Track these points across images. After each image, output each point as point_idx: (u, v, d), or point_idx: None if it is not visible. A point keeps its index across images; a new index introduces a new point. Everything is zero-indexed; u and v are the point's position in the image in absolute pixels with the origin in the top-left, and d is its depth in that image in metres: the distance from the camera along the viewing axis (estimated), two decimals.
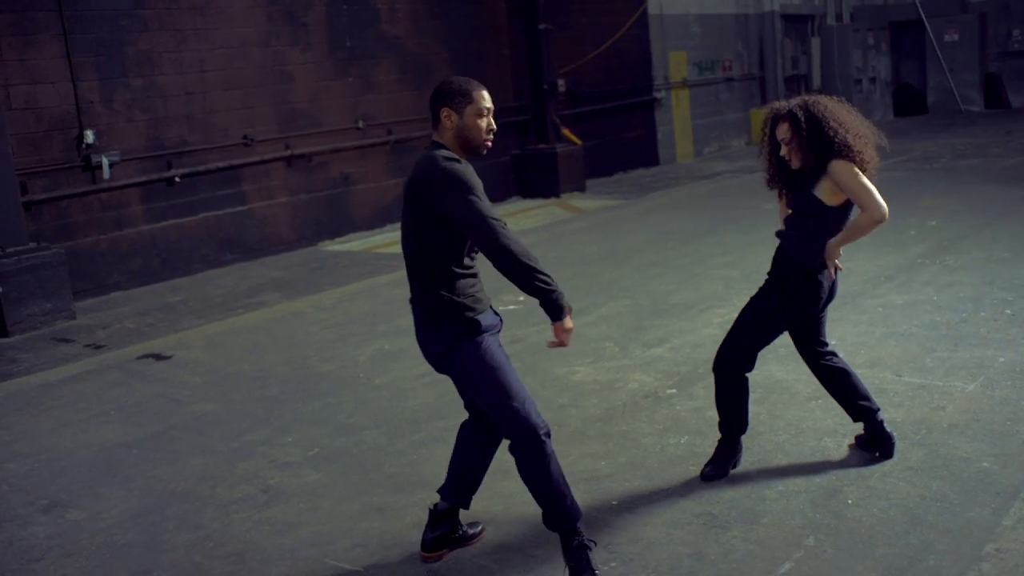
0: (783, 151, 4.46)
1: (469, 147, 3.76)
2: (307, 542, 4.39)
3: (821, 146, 4.35)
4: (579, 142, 15.78)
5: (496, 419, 3.79)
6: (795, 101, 4.45)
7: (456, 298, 3.72)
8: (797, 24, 22.48)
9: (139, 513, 4.85)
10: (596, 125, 16.95)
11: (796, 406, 5.49)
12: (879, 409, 4.76)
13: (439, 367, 3.85)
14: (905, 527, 4.05)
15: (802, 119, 4.35)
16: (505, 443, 3.94)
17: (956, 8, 23.93)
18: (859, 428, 4.93)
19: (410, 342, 7.41)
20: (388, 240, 12.39)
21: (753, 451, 4.92)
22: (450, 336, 3.73)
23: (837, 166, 4.33)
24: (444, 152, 3.69)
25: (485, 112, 3.75)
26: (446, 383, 6.38)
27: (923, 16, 23.83)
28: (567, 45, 16.08)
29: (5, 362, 7.92)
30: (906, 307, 7.32)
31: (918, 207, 11.46)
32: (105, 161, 10.16)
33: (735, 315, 7.01)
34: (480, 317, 3.75)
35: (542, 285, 3.64)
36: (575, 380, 6.29)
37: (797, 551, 3.93)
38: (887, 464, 4.66)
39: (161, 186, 10.88)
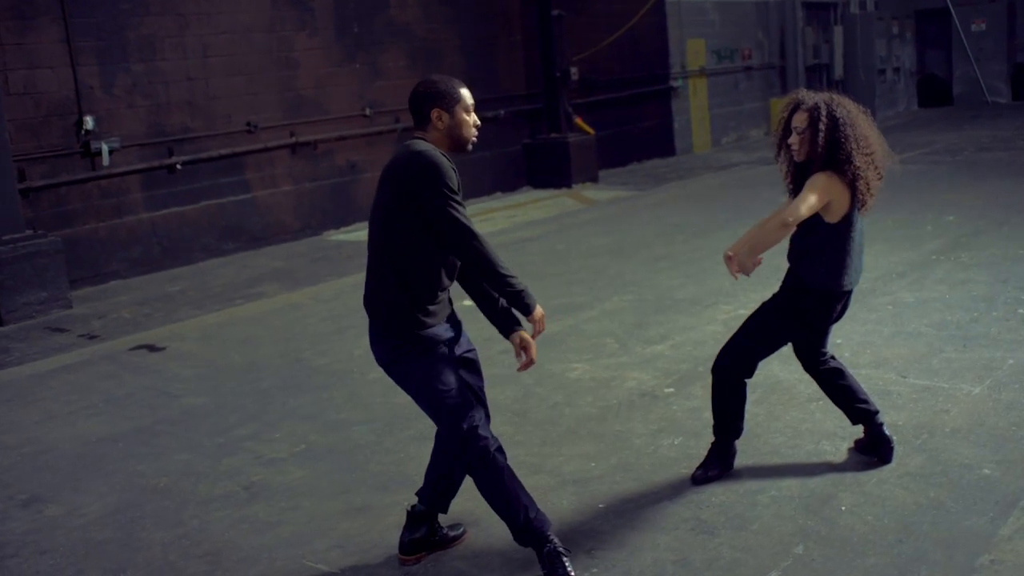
0: (792, 139, 4.38)
1: (458, 144, 3.80)
2: (285, 542, 4.36)
3: (828, 148, 4.27)
4: (592, 131, 15.69)
5: (445, 436, 3.82)
6: (822, 96, 4.37)
7: (407, 305, 3.69)
8: (819, 12, 22.29)
9: (118, 509, 4.83)
10: (610, 114, 16.86)
11: (796, 407, 5.42)
12: (879, 411, 4.68)
13: (393, 378, 3.87)
14: (898, 536, 3.98)
15: (823, 116, 4.27)
16: None
17: None
18: (859, 432, 4.85)
19: None
20: None
21: (748, 453, 4.86)
22: (395, 351, 3.74)
23: (819, 175, 4.26)
24: (426, 145, 3.67)
25: (471, 108, 3.80)
26: None
27: (949, 4, 23.59)
28: (581, 32, 15.99)
29: None
30: (916, 305, 7.22)
31: (936, 201, 11.33)
32: (105, 147, 10.17)
33: (741, 312, 7.02)
34: (430, 332, 3.73)
35: (511, 289, 3.68)
36: (571, 377, 6.23)
37: (785, 559, 3.87)
38: (885, 469, 4.59)
39: (162, 173, 10.88)
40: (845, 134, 4.26)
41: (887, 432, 4.68)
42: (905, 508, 4.21)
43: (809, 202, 4.23)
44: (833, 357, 4.69)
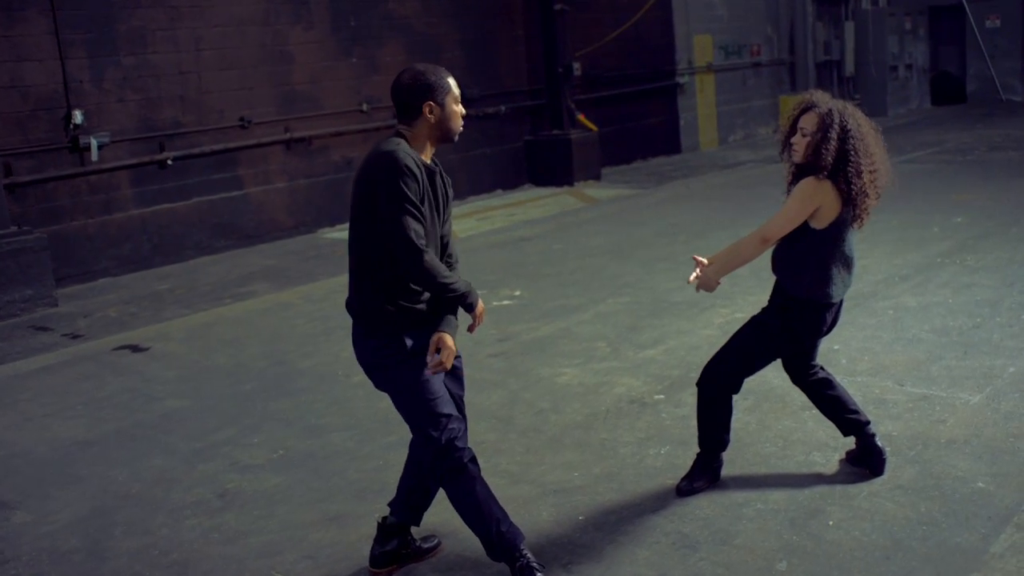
0: (796, 139, 4.31)
1: (448, 136, 3.76)
2: (255, 552, 4.30)
3: (836, 159, 4.18)
4: (595, 128, 15.60)
5: (420, 444, 3.76)
6: (836, 103, 4.28)
7: (388, 309, 3.65)
8: (830, 7, 22.14)
9: (88, 517, 4.78)
10: (615, 111, 16.76)
11: (788, 416, 5.35)
12: (869, 422, 4.61)
13: (372, 382, 3.82)
14: (886, 552, 3.91)
15: (835, 124, 4.19)
16: None
17: None
18: (851, 443, 4.77)
19: None
20: None
21: (736, 463, 4.79)
22: (377, 353, 3.70)
23: (806, 183, 4.18)
24: (397, 145, 3.60)
25: (459, 98, 3.76)
26: None
27: (964, 0, 23.43)
28: (584, 27, 15.89)
29: None
30: (919, 310, 7.14)
31: (944, 202, 11.23)
32: (94, 142, 10.11)
33: (738, 315, 6.94)
34: (410, 335, 3.69)
35: (454, 295, 3.69)
36: (560, 383, 6.16)
37: None
38: (876, 482, 4.51)
39: (153, 169, 10.83)
40: (854, 147, 4.19)
41: (879, 443, 4.60)
42: (895, 523, 4.13)
43: (789, 215, 4.18)
44: (822, 367, 4.61)
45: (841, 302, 4.43)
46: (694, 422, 5.16)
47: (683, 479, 4.57)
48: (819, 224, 4.22)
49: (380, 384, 3.79)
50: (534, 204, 13.55)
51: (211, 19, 11.28)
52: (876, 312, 7.17)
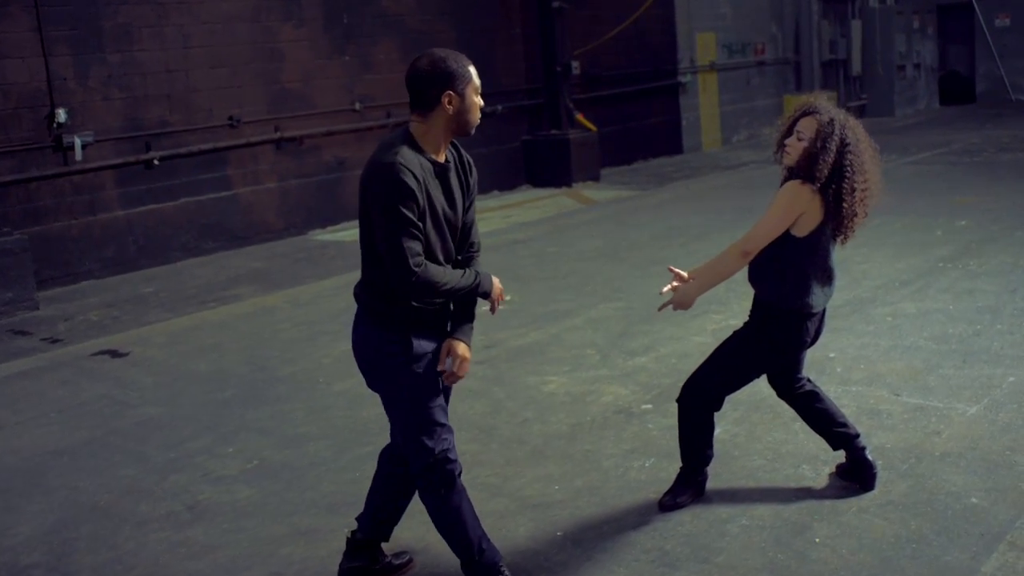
0: (790, 141, 4.22)
1: (465, 128, 3.55)
2: (221, 567, 4.22)
3: (827, 169, 4.09)
4: (594, 128, 15.52)
5: (407, 453, 3.63)
6: (838, 113, 4.20)
7: (395, 307, 3.52)
8: (836, 5, 22.03)
9: (52, 530, 4.70)
10: (615, 110, 16.67)
11: (779, 428, 5.26)
12: (859, 435, 4.52)
13: (366, 379, 3.67)
14: (873, 571, 3.82)
15: (836, 134, 4.10)
16: None
17: None
18: (842, 456, 4.67)
19: None
20: None
21: (722, 476, 4.70)
22: (379, 353, 3.55)
23: (786, 188, 4.10)
24: (404, 152, 3.40)
25: (479, 89, 3.57)
26: None
27: None
28: (583, 24, 15.80)
29: None
30: (918, 316, 7.05)
31: (949, 205, 11.14)
32: (78, 141, 10.04)
33: (732, 322, 6.85)
34: (417, 338, 3.54)
35: (465, 291, 3.57)
36: (545, 391, 6.08)
37: None
38: (866, 497, 4.42)
39: (139, 169, 10.75)
40: (851, 163, 4.11)
41: (869, 457, 4.51)
42: (884, 540, 4.04)
43: (772, 224, 4.10)
44: (808, 380, 4.52)
45: (824, 312, 4.34)
46: None
47: (666, 494, 4.48)
48: (800, 232, 4.13)
49: (374, 384, 3.63)
50: (531, 205, 13.47)
51: (199, 16, 11.21)
52: (874, 318, 7.08)
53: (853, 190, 4.12)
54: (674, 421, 5.35)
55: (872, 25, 22.13)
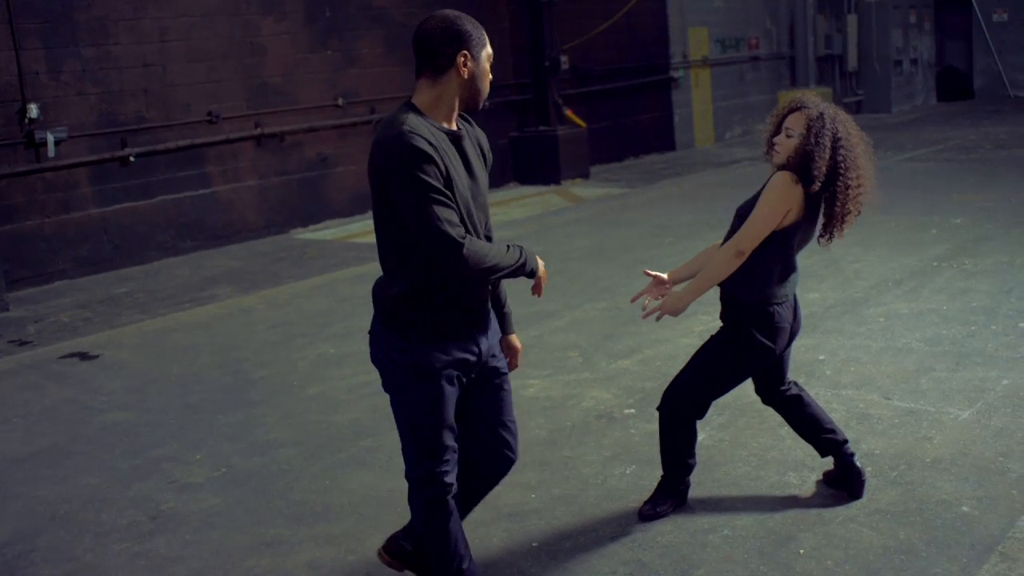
0: (779, 139, 4.13)
1: (476, 99, 3.30)
2: None
3: (825, 167, 3.99)
4: (583, 124, 15.42)
5: (406, 464, 3.46)
6: (828, 108, 4.10)
7: (414, 313, 3.28)
8: None
9: (8, 542, 4.58)
10: (605, 106, 16.57)
11: (765, 433, 5.16)
12: (847, 441, 4.42)
13: (381, 374, 3.45)
14: None
15: (827, 130, 3.99)
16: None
17: None
18: (829, 463, 4.58)
19: (358, 347, 7.15)
20: (367, 228, 12.08)
21: (705, 484, 4.60)
22: (388, 354, 3.34)
23: (775, 180, 4.00)
24: (410, 119, 3.14)
25: (492, 57, 3.34)
26: (381, 395, 6.11)
27: None
28: (572, 18, 15.70)
29: None
30: (911, 317, 6.96)
31: (944, 202, 11.07)
32: (50, 137, 9.90)
33: (720, 323, 6.74)
34: (432, 350, 3.29)
35: (510, 270, 3.33)
36: (526, 396, 5.97)
37: None
38: (854, 506, 4.33)
39: (114, 166, 10.62)
40: (844, 159, 4.01)
41: (858, 464, 4.42)
42: (871, 551, 3.94)
43: (764, 219, 3.99)
44: (795, 383, 4.42)
45: (797, 302, 4.24)
46: None
47: (646, 503, 4.38)
48: (777, 226, 4.03)
49: (386, 387, 3.42)
50: (518, 204, 13.37)
51: (177, 9, 11.08)
52: (866, 319, 6.99)
53: (847, 187, 4.03)
54: (657, 426, 5.28)
55: (868, 19, 22.06)
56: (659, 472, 4.56)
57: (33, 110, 9.81)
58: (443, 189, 3.10)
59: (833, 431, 4.39)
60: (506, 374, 3.60)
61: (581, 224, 11.60)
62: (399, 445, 4.97)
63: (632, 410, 5.64)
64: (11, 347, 7.86)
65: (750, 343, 4.11)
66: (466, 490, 3.65)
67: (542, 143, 14.82)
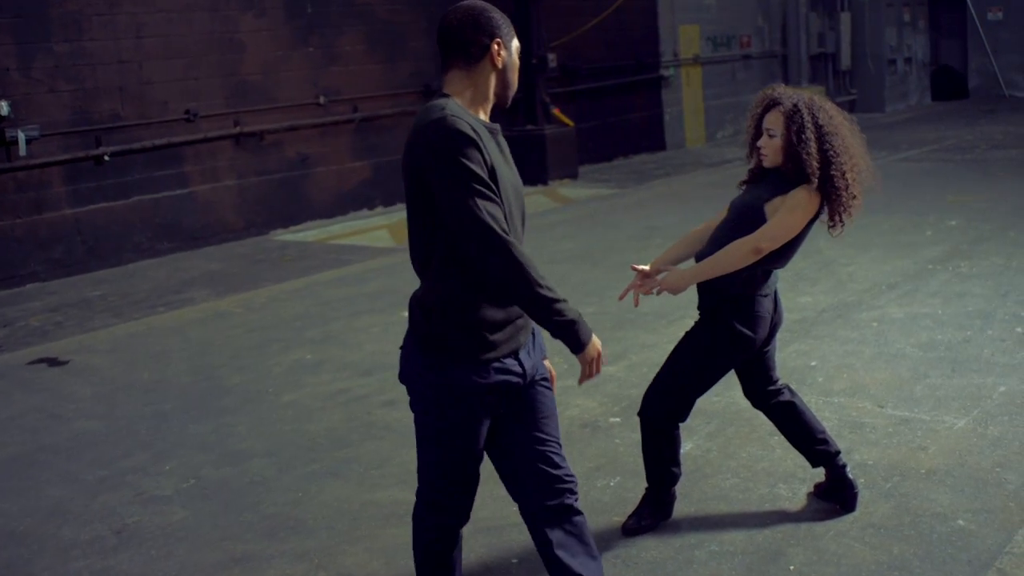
0: (763, 142, 4.04)
1: (507, 93, 3.10)
2: None
3: (815, 162, 3.90)
4: (571, 123, 15.32)
5: (420, 481, 3.26)
6: (802, 96, 4.02)
7: (455, 332, 2.98)
8: None
9: None
10: (594, 105, 16.47)
11: (754, 442, 5.06)
12: (839, 452, 4.33)
13: (408, 390, 3.18)
14: None
15: (806, 122, 3.90)
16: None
17: None
18: (821, 474, 4.48)
19: (335, 352, 7.04)
20: (349, 229, 11.98)
21: (692, 497, 4.50)
22: (423, 377, 3.07)
23: (801, 194, 3.91)
24: (451, 104, 2.93)
25: (519, 52, 3.16)
26: (359, 403, 6.03)
27: None
28: (561, 15, 15.60)
29: None
30: (905, 322, 6.87)
31: (939, 204, 11.00)
32: (22, 136, 9.74)
33: None
34: (470, 370, 2.97)
35: (559, 319, 2.90)
36: None
37: None
38: (846, 519, 4.23)
39: (88, 165, 10.48)
40: (831, 145, 3.92)
41: (850, 476, 4.32)
42: (863, 568, 3.85)
43: (788, 227, 3.92)
44: (788, 389, 4.32)
45: (778, 296, 4.16)
46: None
47: (630, 516, 4.28)
48: None
49: (415, 407, 3.15)
50: None
51: (153, 4, 10.94)
52: (859, 324, 6.90)
53: (843, 173, 3.96)
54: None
55: (861, 18, 22.04)
56: (644, 484, 4.46)
57: (3, 108, 9.65)
58: (487, 181, 2.85)
59: (826, 441, 4.29)
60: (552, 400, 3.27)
61: (569, 225, 11.50)
62: (375, 456, 4.91)
63: (617, 419, 5.54)
64: None
65: (730, 332, 4.01)
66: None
67: (529, 143, 14.68)
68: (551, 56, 14.97)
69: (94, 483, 5.18)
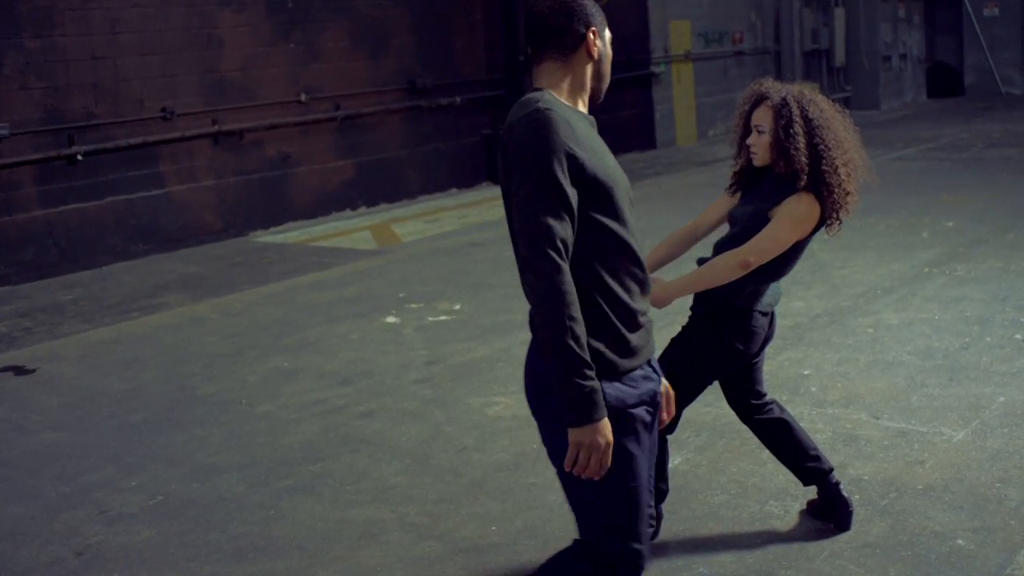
0: (752, 139, 3.93)
1: (601, 87, 2.90)
2: None
3: (803, 157, 3.78)
4: None
5: (589, 528, 2.89)
6: (791, 90, 3.90)
7: (593, 343, 2.69)
8: None
9: None
10: None
11: (745, 457, 4.94)
12: (832, 469, 4.21)
13: (535, 416, 2.91)
14: None
15: (795, 116, 3.79)
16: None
17: None
18: (813, 491, 4.36)
19: (312, 360, 6.91)
20: (331, 230, 11.85)
21: (681, 515, 4.38)
22: (545, 393, 2.76)
23: (800, 200, 3.79)
24: (548, 97, 2.73)
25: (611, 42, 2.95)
26: (335, 414, 5.90)
27: None
28: None
29: None
30: (901, 328, 6.76)
31: (935, 204, 10.91)
32: None
33: None
34: (617, 383, 2.70)
35: (569, 388, 2.58)
36: (490, 415, 5.74)
37: None
38: (840, 539, 4.11)
39: (60, 165, 10.33)
40: (822, 139, 3.81)
41: (844, 493, 4.20)
42: None
43: (779, 240, 3.80)
44: (777, 404, 4.20)
45: (773, 313, 4.06)
46: None
47: None
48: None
49: (550, 439, 2.84)
50: (491, 205, 13.11)
51: None
52: (853, 330, 6.79)
53: (836, 168, 3.83)
54: None
55: (856, 13, 21.96)
56: None
57: None
58: (566, 190, 2.61)
59: (818, 459, 4.17)
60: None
61: None
62: (350, 470, 4.78)
63: None
64: None
65: (722, 344, 3.91)
66: None
67: None
68: None
69: (57, 499, 5.04)
